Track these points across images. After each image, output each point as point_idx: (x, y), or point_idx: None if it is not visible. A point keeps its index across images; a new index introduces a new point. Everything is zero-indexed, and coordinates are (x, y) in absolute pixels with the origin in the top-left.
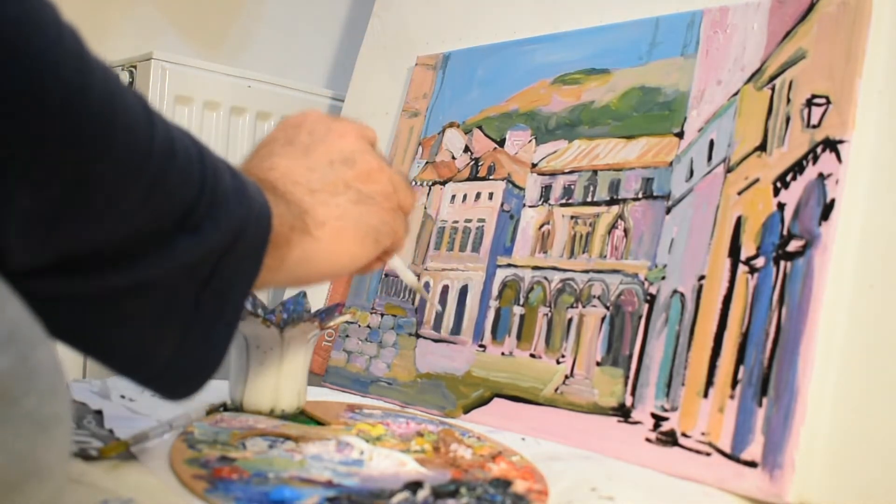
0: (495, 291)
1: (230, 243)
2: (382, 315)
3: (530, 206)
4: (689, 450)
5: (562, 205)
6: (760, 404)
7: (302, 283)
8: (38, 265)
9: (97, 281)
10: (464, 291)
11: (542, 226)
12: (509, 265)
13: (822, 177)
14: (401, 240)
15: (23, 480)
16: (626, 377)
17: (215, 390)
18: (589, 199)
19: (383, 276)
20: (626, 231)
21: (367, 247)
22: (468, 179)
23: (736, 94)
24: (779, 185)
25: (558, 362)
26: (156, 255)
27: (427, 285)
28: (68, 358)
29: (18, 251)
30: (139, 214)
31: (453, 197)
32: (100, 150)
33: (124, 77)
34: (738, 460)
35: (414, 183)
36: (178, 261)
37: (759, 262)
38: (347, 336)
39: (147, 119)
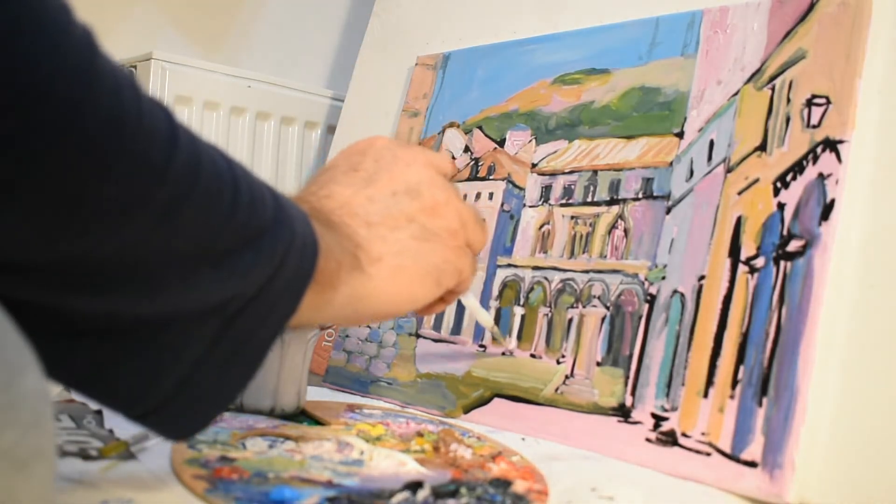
0: (495, 291)
1: (264, 282)
2: None
3: (530, 206)
4: (689, 450)
5: (562, 205)
6: (760, 404)
7: (353, 322)
8: (40, 293)
9: (100, 310)
10: None
11: (542, 226)
12: (509, 265)
13: (822, 177)
14: (466, 280)
15: None
16: (626, 377)
17: None
18: (589, 199)
19: None
20: (626, 231)
21: (427, 287)
22: (468, 179)
23: (736, 94)
24: (779, 185)
25: (558, 362)
26: (175, 289)
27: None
28: None
29: (15, 272)
30: (150, 243)
31: None
32: (101, 172)
33: None
34: (738, 460)
35: None
36: (199, 298)
37: (759, 262)
38: (347, 336)
39: (168, 139)
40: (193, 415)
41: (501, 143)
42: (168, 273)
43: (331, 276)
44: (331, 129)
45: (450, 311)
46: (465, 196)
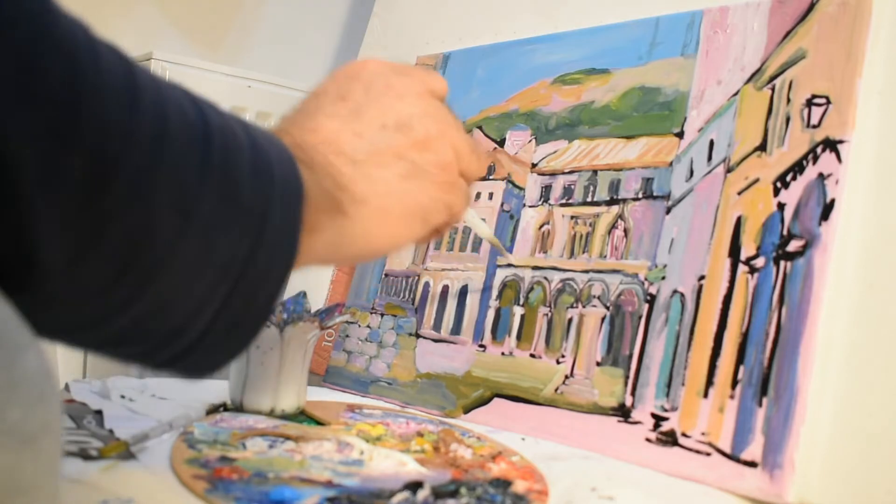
0: (495, 291)
1: (253, 239)
2: (382, 315)
3: (530, 206)
4: (689, 450)
5: (562, 205)
6: (760, 404)
7: (331, 264)
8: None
9: (96, 280)
10: (464, 291)
11: (542, 226)
12: (509, 265)
13: (822, 177)
14: (457, 214)
15: (7, 498)
16: (626, 377)
17: (215, 390)
18: (589, 199)
19: (383, 275)
20: (626, 231)
21: (413, 228)
22: None
23: (736, 94)
24: (779, 185)
25: (558, 362)
26: (156, 254)
27: (427, 286)
28: (68, 358)
29: (37, 252)
30: (131, 214)
31: None
32: (67, 139)
33: None
34: (738, 460)
35: None
36: (195, 264)
37: (759, 262)
38: (347, 336)
39: (130, 97)
40: (208, 364)
41: (501, 142)
42: (145, 239)
43: (313, 223)
44: None
45: (450, 311)
46: None
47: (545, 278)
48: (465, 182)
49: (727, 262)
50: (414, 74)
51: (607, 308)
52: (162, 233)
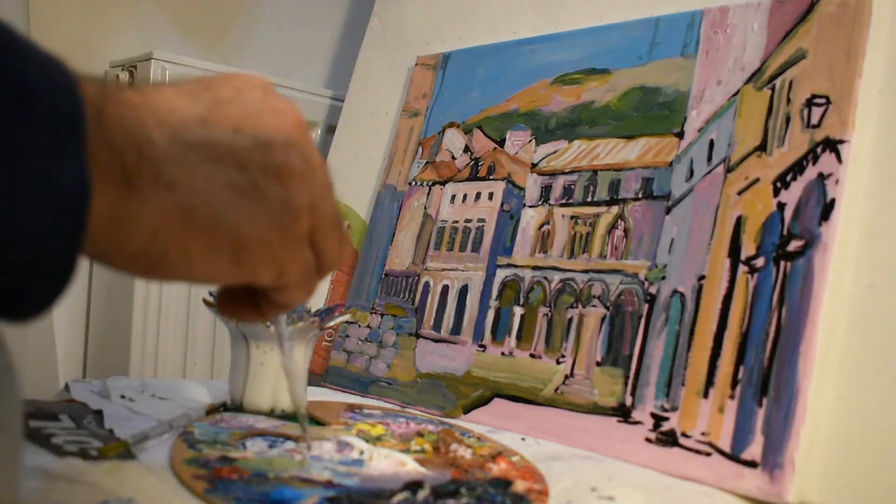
0: (495, 291)
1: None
2: (382, 315)
3: (530, 206)
4: (689, 450)
5: (562, 205)
6: (760, 404)
7: (100, 263)
8: None
9: None
10: (464, 291)
11: (542, 226)
12: (509, 265)
13: (822, 177)
14: (286, 284)
15: None
16: (626, 377)
17: (215, 390)
18: (589, 199)
19: (383, 275)
20: (626, 231)
21: (217, 257)
22: (468, 179)
23: (736, 94)
24: (779, 185)
25: (558, 362)
26: None
27: (427, 286)
28: (68, 358)
29: None
30: None
31: (453, 197)
32: None
33: (124, 77)
34: (738, 460)
35: (414, 183)
36: None
37: (759, 262)
38: (347, 336)
39: None
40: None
41: (501, 143)
42: None
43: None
44: (331, 129)
45: (449, 311)
46: (465, 196)
47: (545, 278)
48: (311, 256)
49: (727, 262)
50: (296, 107)
51: (607, 308)
52: None
